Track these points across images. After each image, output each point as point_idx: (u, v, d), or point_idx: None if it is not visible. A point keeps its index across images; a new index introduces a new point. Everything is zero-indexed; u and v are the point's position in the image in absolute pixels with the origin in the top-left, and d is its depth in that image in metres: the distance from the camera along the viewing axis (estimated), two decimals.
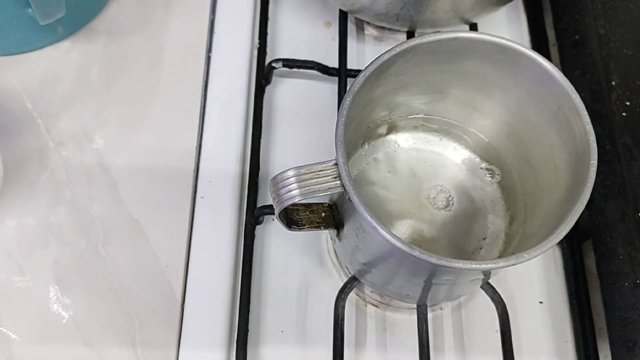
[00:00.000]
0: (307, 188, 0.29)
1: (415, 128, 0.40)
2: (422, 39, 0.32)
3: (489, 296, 0.38)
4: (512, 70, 0.33)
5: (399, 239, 0.27)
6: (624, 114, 0.39)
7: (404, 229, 0.38)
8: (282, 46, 0.49)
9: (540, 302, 0.42)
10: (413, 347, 0.37)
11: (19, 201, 0.41)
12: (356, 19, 0.50)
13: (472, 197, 0.39)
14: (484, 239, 0.38)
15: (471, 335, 0.40)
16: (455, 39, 0.32)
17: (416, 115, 0.40)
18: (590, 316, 0.41)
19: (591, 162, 0.30)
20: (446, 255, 0.28)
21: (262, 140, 0.44)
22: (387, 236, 0.28)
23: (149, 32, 0.47)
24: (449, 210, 0.38)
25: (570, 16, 0.47)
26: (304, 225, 0.34)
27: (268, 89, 0.47)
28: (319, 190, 0.29)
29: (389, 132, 0.40)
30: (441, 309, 0.41)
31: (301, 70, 0.46)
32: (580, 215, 0.28)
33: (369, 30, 0.50)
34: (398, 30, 0.48)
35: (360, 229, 0.31)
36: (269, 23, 0.49)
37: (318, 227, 0.35)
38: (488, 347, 0.40)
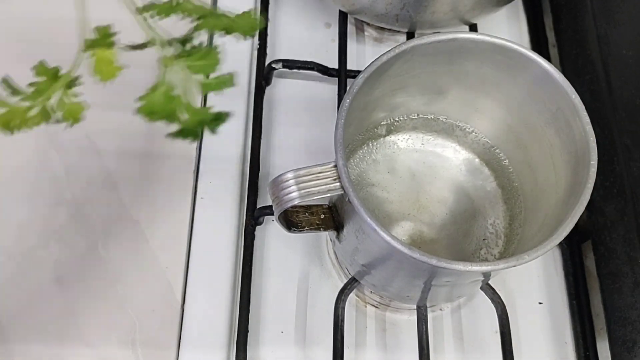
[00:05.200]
0: (307, 190, 0.29)
1: (414, 129, 0.40)
2: (422, 39, 0.32)
3: (489, 297, 0.38)
4: (512, 71, 0.33)
5: (398, 240, 0.28)
6: (623, 115, 0.39)
7: (403, 230, 0.38)
8: (282, 47, 0.49)
9: (540, 303, 0.42)
10: (413, 347, 0.37)
11: (20, 202, 0.41)
12: (356, 20, 0.50)
13: (472, 198, 0.39)
14: (483, 240, 0.38)
15: (471, 336, 0.40)
16: (454, 39, 0.32)
17: (415, 116, 0.40)
18: (590, 316, 0.41)
19: (591, 162, 0.30)
20: (446, 256, 0.28)
21: (262, 141, 0.44)
22: (387, 238, 0.28)
23: None
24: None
25: (570, 17, 0.47)
26: (304, 227, 0.34)
27: (268, 89, 0.47)
28: (319, 192, 0.29)
29: (388, 133, 0.40)
30: (441, 309, 0.41)
31: (301, 71, 0.46)
32: (580, 216, 0.29)
33: (369, 31, 0.50)
34: (398, 31, 0.48)
35: (360, 231, 0.31)
36: (269, 24, 0.49)
37: (318, 229, 0.35)
38: (488, 348, 0.40)
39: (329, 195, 0.30)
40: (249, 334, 0.38)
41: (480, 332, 0.40)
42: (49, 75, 0.24)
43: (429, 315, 0.40)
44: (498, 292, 0.38)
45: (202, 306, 0.39)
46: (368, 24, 0.50)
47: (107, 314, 0.38)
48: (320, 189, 0.29)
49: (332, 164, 0.30)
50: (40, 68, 0.24)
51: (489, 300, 0.38)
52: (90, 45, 0.24)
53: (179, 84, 0.25)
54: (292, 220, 0.34)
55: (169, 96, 0.25)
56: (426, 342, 0.37)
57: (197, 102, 0.26)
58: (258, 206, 0.42)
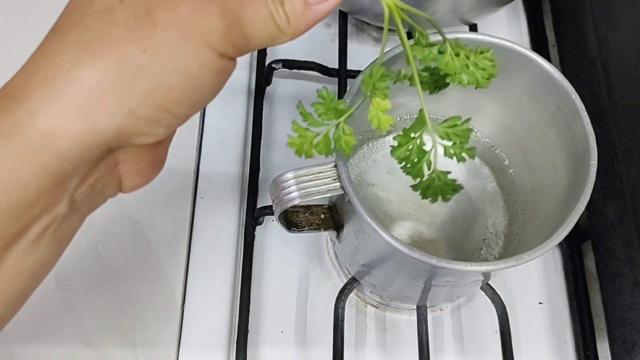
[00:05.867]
0: (307, 190, 0.29)
1: None
2: None
3: (489, 297, 0.38)
4: (512, 71, 0.33)
5: (398, 240, 0.27)
6: (623, 115, 0.39)
7: (403, 230, 0.38)
8: (282, 47, 0.49)
9: (540, 303, 0.42)
10: (413, 348, 0.37)
11: None
12: (356, 20, 0.50)
13: (472, 198, 0.39)
14: (483, 240, 0.38)
15: (471, 336, 0.40)
16: (454, 40, 0.32)
17: (416, 116, 0.40)
18: (589, 317, 0.41)
19: (591, 162, 0.30)
20: (446, 256, 0.28)
21: (262, 141, 0.44)
22: (387, 238, 0.28)
23: None
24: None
25: (570, 17, 0.47)
26: (304, 227, 0.34)
27: (268, 89, 0.47)
28: (319, 192, 0.29)
29: (388, 133, 0.40)
30: (441, 309, 0.41)
31: (301, 71, 0.46)
32: (580, 216, 0.29)
33: (369, 31, 0.50)
34: None
35: (360, 231, 0.31)
36: None
37: (318, 229, 0.35)
38: (488, 348, 0.40)
39: (329, 195, 0.30)
40: (249, 334, 0.38)
41: (480, 332, 0.40)
42: (328, 100, 0.26)
43: (429, 315, 0.40)
44: (498, 292, 0.38)
45: (202, 306, 0.39)
46: (368, 24, 0.50)
47: (107, 314, 0.38)
48: (320, 189, 0.29)
49: (332, 164, 0.30)
50: (323, 92, 0.26)
51: (489, 300, 0.38)
52: (367, 84, 0.26)
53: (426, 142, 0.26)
54: (292, 220, 0.34)
55: (421, 151, 0.26)
56: (426, 342, 0.37)
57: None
58: (258, 206, 0.42)
